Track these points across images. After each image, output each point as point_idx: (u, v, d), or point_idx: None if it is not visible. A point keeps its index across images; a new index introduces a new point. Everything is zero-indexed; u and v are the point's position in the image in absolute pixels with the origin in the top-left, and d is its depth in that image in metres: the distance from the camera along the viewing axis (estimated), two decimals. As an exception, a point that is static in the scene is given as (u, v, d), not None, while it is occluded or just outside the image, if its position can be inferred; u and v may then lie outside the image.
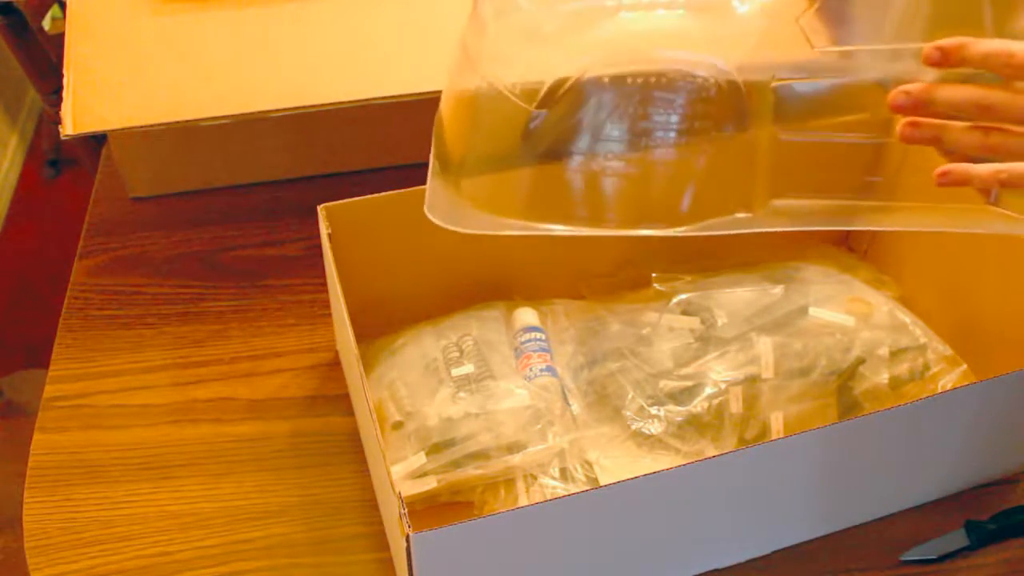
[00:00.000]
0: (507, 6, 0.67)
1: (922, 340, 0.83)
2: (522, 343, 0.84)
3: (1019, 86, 0.56)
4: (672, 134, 0.63)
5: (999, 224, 0.62)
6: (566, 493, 0.75)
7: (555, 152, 0.65)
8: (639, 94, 0.63)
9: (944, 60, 0.57)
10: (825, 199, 0.65)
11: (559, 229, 0.65)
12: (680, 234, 0.64)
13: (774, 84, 0.63)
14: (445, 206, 0.66)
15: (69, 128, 0.88)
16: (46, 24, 1.87)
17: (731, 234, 0.64)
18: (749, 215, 0.64)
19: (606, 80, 0.63)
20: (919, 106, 0.58)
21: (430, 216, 0.65)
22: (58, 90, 0.92)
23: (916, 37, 0.60)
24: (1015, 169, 0.57)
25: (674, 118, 0.63)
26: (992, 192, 0.60)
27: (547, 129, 0.64)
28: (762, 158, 0.64)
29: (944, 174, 0.59)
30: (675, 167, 0.64)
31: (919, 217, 0.67)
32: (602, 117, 0.63)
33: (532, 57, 0.66)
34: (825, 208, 0.65)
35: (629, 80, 0.63)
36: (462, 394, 0.79)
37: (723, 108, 0.63)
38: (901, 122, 0.59)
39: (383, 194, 0.80)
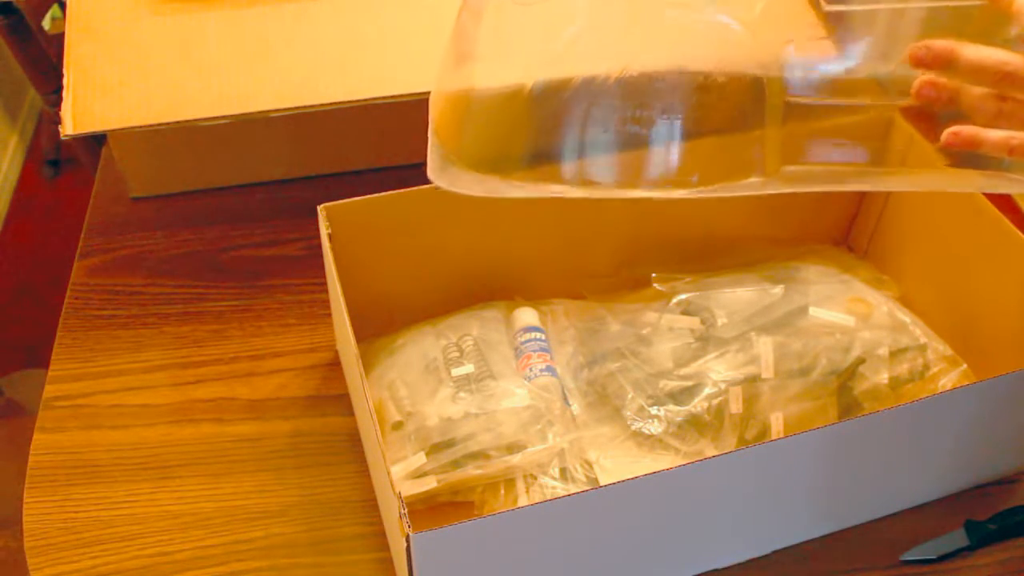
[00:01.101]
0: None
1: (922, 340, 0.83)
2: (522, 343, 0.84)
3: None
4: (682, 99, 0.62)
5: (1004, 183, 0.61)
6: (566, 493, 0.75)
7: (561, 117, 0.64)
8: (651, 58, 0.62)
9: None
10: (835, 166, 0.65)
11: (566, 191, 0.64)
12: (692, 196, 0.63)
13: (786, 47, 0.63)
14: (448, 172, 0.65)
15: (69, 128, 0.88)
16: (46, 24, 1.87)
17: (742, 195, 0.63)
18: (761, 179, 0.64)
19: (615, 43, 0.63)
20: (938, 62, 0.57)
21: (433, 180, 0.64)
22: (58, 90, 0.92)
23: None
24: None
25: (686, 82, 0.62)
26: (1004, 161, 0.60)
27: (552, 93, 0.63)
28: (773, 124, 0.64)
29: (955, 134, 0.59)
30: (686, 130, 0.64)
31: (928, 178, 0.67)
32: (611, 80, 0.62)
33: (534, 21, 0.65)
34: (835, 172, 0.65)
35: (641, 44, 0.62)
36: (462, 394, 0.79)
37: (735, 71, 0.63)
38: (919, 79, 0.59)
39: (383, 194, 0.80)
